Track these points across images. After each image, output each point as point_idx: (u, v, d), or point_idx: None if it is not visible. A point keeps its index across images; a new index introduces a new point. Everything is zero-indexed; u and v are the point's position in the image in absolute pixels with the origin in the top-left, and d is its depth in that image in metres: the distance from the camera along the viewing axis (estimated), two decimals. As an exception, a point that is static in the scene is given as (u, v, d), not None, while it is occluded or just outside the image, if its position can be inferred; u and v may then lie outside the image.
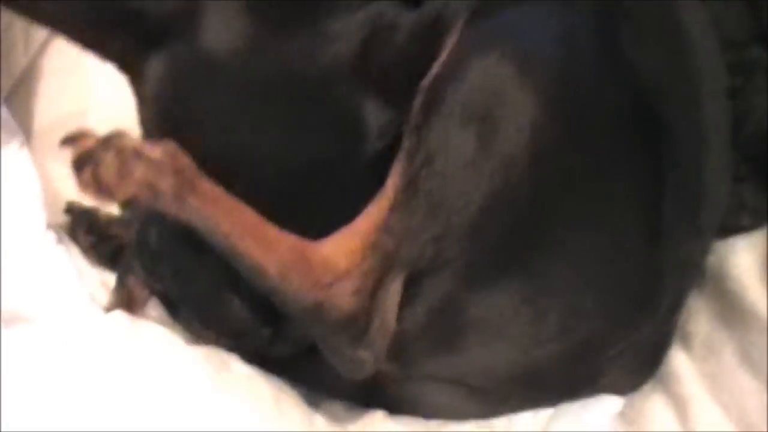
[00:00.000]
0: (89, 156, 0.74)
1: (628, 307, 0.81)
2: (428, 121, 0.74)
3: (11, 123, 0.98)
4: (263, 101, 0.81)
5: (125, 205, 0.77)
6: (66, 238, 0.98)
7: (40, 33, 1.19)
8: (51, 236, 0.91)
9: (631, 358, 0.84)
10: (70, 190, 0.97)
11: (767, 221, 0.91)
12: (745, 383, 0.82)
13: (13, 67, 1.13)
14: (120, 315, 0.80)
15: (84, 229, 1.03)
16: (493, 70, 0.73)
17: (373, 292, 0.75)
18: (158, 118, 0.85)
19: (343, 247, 0.75)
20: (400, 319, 0.78)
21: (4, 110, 0.98)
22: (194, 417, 0.72)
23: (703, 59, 0.84)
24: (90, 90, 1.15)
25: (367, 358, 0.77)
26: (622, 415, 0.86)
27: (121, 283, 0.94)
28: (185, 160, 0.75)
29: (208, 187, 0.75)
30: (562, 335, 0.79)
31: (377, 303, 0.75)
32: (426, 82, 0.76)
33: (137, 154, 0.74)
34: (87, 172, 0.74)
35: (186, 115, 0.83)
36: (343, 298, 0.75)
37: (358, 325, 0.75)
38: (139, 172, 0.73)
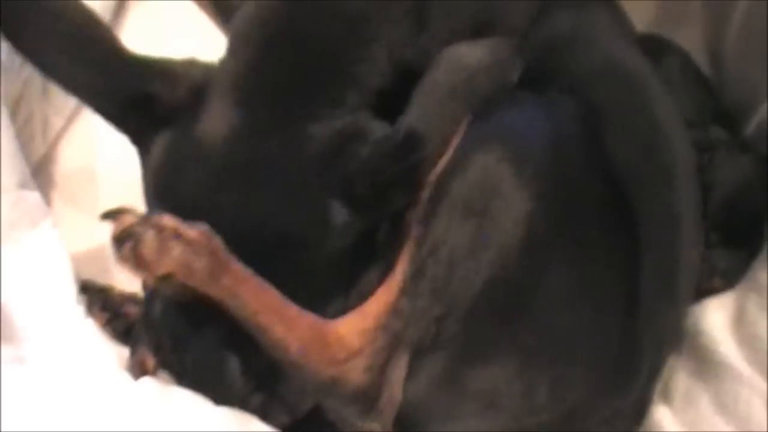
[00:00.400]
0: (129, 232, 0.80)
1: (611, 377, 0.86)
2: (435, 212, 0.81)
3: (42, 204, 1.04)
4: (241, 184, 0.86)
5: (160, 281, 0.82)
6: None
7: (57, 123, 1.28)
8: (81, 310, 0.97)
9: (616, 421, 0.89)
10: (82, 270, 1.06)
11: (737, 282, 0.98)
12: (721, 428, 0.89)
13: (32, 156, 1.20)
14: (150, 381, 0.85)
15: (99, 306, 1.06)
16: (492, 170, 0.80)
17: (382, 368, 0.81)
18: (155, 190, 0.90)
19: (356, 327, 0.81)
20: (403, 390, 0.83)
21: (36, 194, 1.04)
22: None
23: (675, 148, 0.92)
24: (103, 178, 1.23)
25: (375, 429, 0.82)
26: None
27: (132, 354, 0.97)
28: (218, 243, 0.81)
29: (239, 267, 0.81)
30: (552, 405, 0.84)
31: (386, 378, 0.81)
32: (433, 176, 0.82)
33: (176, 234, 0.79)
34: (127, 248, 0.79)
35: (176, 189, 0.88)
36: (356, 373, 0.80)
37: (368, 398, 0.81)
38: (177, 251, 0.79)
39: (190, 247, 0.79)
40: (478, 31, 0.90)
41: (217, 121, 0.87)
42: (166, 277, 0.80)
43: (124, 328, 1.06)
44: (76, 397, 0.81)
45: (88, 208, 1.18)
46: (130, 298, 1.09)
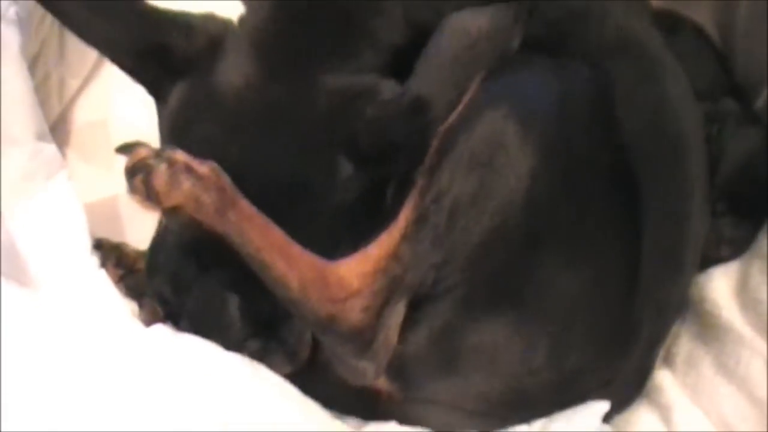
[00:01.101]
0: (142, 164, 0.82)
1: (611, 341, 0.88)
2: (440, 163, 0.82)
3: (58, 157, 1.06)
4: (253, 129, 0.88)
5: (169, 213, 0.84)
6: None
7: (73, 84, 1.30)
8: (95, 260, 0.99)
9: (617, 386, 0.91)
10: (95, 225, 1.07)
11: (744, 251, 0.99)
12: (722, 388, 0.90)
13: (48, 115, 1.22)
14: (162, 328, 0.87)
15: (113, 263, 1.08)
16: (499, 125, 0.82)
17: (379, 310, 0.82)
18: (170, 136, 0.92)
19: (357, 269, 0.83)
20: (403, 342, 0.85)
21: (53, 147, 1.06)
22: (238, 410, 0.79)
23: (684, 120, 0.93)
24: (117, 138, 1.24)
25: (369, 368, 0.84)
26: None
27: (141, 306, 1.00)
28: (227, 180, 0.83)
29: (245, 205, 0.83)
30: (551, 365, 0.85)
31: (382, 320, 0.83)
32: (441, 129, 0.84)
33: (187, 168, 0.82)
34: (138, 179, 0.82)
35: (190, 136, 0.90)
36: (354, 313, 0.82)
37: (364, 338, 0.83)
38: (187, 184, 0.81)
39: (199, 182, 0.82)
40: None
41: (232, 69, 0.89)
42: (175, 210, 0.83)
43: (136, 285, 1.07)
44: (89, 342, 0.83)
45: (103, 166, 1.21)
46: (143, 255, 1.09)
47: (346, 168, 0.86)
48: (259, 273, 0.83)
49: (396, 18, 0.88)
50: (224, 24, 0.93)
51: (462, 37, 0.87)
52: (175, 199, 0.82)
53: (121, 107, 1.29)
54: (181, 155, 0.83)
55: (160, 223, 0.96)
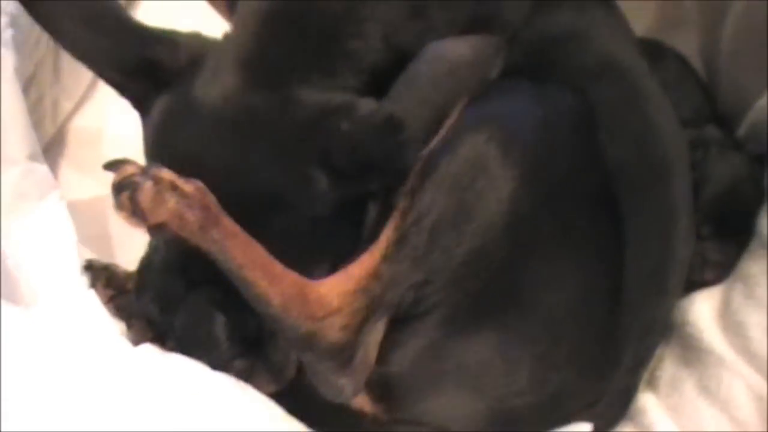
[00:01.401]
0: (129, 181, 0.83)
1: (594, 362, 0.89)
2: (422, 185, 0.84)
3: (50, 177, 1.07)
4: (231, 140, 0.88)
5: (154, 230, 0.85)
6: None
7: (67, 106, 1.32)
8: (84, 280, 0.99)
9: (601, 407, 0.91)
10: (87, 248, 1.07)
11: (728, 275, 1.00)
12: (704, 410, 0.92)
13: (41, 137, 1.23)
14: (149, 347, 0.87)
15: (103, 283, 1.06)
16: (481, 149, 0.83)
17: (358, 328, 0.83)
18: (153, 148, 0.93)
19: (337, 288, 0.84)
20: (387, 362, 0.86)
21: (45, 168, 1.07)
22: (226, 427, 0.81)
23: (669, 144, 0.95)
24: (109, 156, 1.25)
25: (347, 386, 0.85)
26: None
27: (129, 326, 0.99)
28: (211, 198, 0.84)
29: (229, 223, 0.84)
30: (535, 386, 0.86)
31: (361, 338, 0.84)
32: (425, 152, 0.85)
33: (172, 186, 0.83)
34: (125, 196, 0.83)
35: (170, 148, 0.91)
36: (333, 330, 0.83)
37: (343, 355, 0.83)
38: (172, 202, 0.82)
39: (184, 200, 0.82)
40: (474, 24, 0.93)
41: (213, 82, 0.90)
42: (160, 227, 0.83)
43: (126, 305, 1.06)
44: (78, 360, 0.84)
45: (96, 188, 1.22)
46: (133, 276, 1.11)
47: (321, 181, 0.87)
48: (241, 290, 0.83)
49: (374, 40, 0.90)
50: (208, 41, 0.95)
51: (441, 64, 0.88)
52: (160, 216, 0.83)
53: (114, 127, 1.31)
54: (167, 173, 0.84)
55: (150, 243, 0.97)
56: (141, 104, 0.94)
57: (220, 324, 0.86)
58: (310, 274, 0.86)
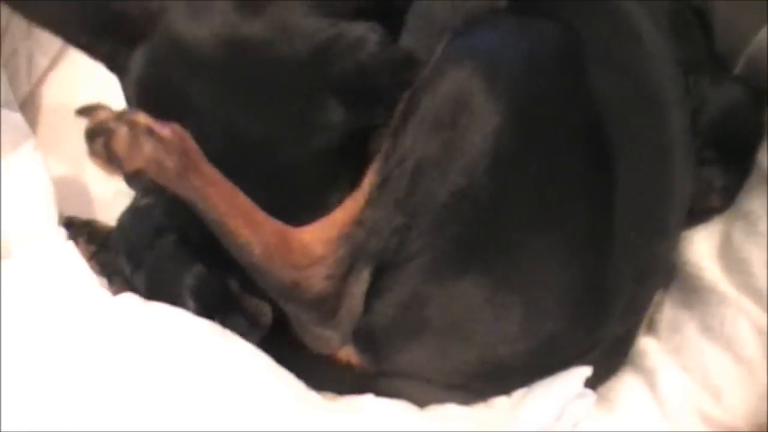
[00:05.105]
0: (103, 127, 0.80)
1: (585, 309, 0.85)
2: (404, 126, 0.81)
3: (25, 127, 1.04)
4: (226, 81, 0.87)
5: (130, 177, 0.82)
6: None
7: (42, 61, 1.27)
8: (63, 232, 0.96)
9: (598, 355, 0.89)
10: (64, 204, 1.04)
11: (734, 201, 0.97)
12: (707, 349, 0.90)
13: (16, 92, 1.19)
14: (131, 296, 0.85)
15: (85, 239, 1.05)
16: (464, 84, 0.80)
17: (343, 278, 0.81)
18: (138, 103, 0.90)
19: (320, 236, 0.82)
20: (371, 312, 0.84)
21: (18, 115, 1.03)
22: (210, 375, 0.78)
23: (662, 74, 0.92)
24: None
25: (333, 337, 0.84)
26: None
27: (110, 281, 0.98)
28: (191, 143, 0.81)
29: (209, 170, 0.81)
30: (526, 334, 0.83)
31: (346, 288, 0.82)
32: (407, 92, 0.82)
33: (149, 131, 0.80)
34: (99, 143, 0.80)
35: (158, 98, 0.89)
36: (317, 280, 0.81)
37: (327, 305, 0.82)
38: (148, 147, 0.79)
39: (161, 145, 0.80)
40: None
41: (198, 20, 0.87)
42: (137, 174, 0.81)
43: (110, 261, 1.05)
44: (57, 310, 0.82)
45: (71, 147, 1.18)
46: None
47: (335, 110, 0.85)
48: (222, 239, 0.81)
49: None
50: None
51: None
52: (136, 162, 0.80)
53: (90, 87, 1.27)
54: (142, 117, 0.81)
55: (133, 201, 0.94)
56: (115, 63, 0.92)
57: (188, 278, 0.84)
58: (302, 220, 0.83)
